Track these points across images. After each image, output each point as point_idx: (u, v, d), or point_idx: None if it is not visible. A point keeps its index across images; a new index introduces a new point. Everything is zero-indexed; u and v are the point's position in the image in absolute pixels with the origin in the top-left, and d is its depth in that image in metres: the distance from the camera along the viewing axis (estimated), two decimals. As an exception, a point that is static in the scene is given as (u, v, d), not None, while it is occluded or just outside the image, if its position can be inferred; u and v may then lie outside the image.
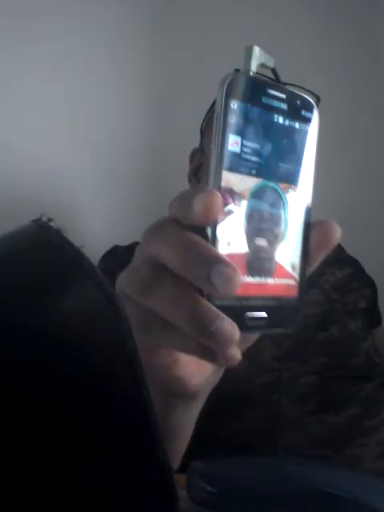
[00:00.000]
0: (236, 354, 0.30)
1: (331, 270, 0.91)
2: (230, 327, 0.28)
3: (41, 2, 1.08)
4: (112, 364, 0.24)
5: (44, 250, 0.26)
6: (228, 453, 0.73)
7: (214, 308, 0.28)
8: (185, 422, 0.41)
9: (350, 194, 1.30)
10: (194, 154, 0.93)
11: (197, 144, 0.94)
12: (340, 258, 0.96)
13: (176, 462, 0.44)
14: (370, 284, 0.99)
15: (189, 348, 0.31)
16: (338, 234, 0.33)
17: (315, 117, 0.34)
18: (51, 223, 0.26)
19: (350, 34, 1.34)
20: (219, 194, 0.29)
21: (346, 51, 1.33)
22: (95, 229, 1.11)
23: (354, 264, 0.99)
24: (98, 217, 1.13)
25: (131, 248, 0.94)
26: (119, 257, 0.90)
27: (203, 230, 0.29)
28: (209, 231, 0.29)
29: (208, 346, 0.29)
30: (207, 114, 0.90)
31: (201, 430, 0.44)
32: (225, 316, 0.28)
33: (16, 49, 1.06)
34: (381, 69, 1.37)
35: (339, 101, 1.21)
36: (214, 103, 0.90)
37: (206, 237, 0.29)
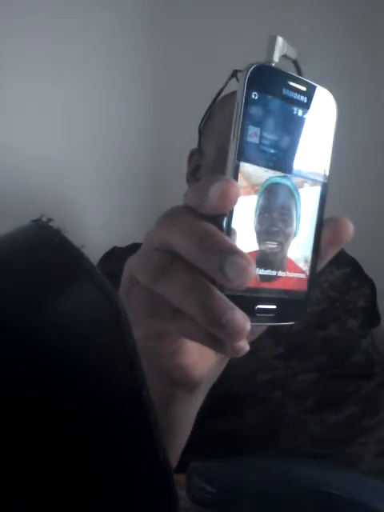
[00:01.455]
0: (244, 345, 0.30)
1: (330, 269, 0.91)
2: (241, 319, 0.28)
3: (41, 2, 1.08)
4: (112, 364, 0.24)
5: (44, 250, 0.26)
6: (228, 451, 0.73)
7: (226, 299, 0.28)
8: (186, 415, 0.42)
9: (349, 193, 1.30)
10: (192, 155, 0.93)
11: (196, 145, 0.94)
12: (339, 257, 0.96)
13: (176, 457, 0.44)
14: (369, 283, 1.00)
15: (197, 336, 0.30)
16: (350, 230, 0.33)
17: (334, 111, 0.34)
18: (51, 223, 0.26)
19: (349, 34, 1.35)
20: (236, 183, 0.29)
21: (345, 52, 1.33)
22: (95, 229, 1.11)
23: (353, 263, 0.99)
24: (98, 217, 1.13)
25: (130, 249, 0.94)
26: (118, 258, 0.90)
27: (217, 220, 0.29)
28: (223, 222, 0.29)
29: (217, 336, 0.28)
30: (206, 114, 0.90)
31: (200, 427, 0.44)
32: (236, 307, 0.28)
33: (16, 49, 1.06)
34: (381, 69, 1.37)
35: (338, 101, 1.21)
36: (212, 103, 0.90)
37: (220, 227, 0.29)
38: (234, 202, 0.29)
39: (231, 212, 0.29)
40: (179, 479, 0.32)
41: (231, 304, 0.28)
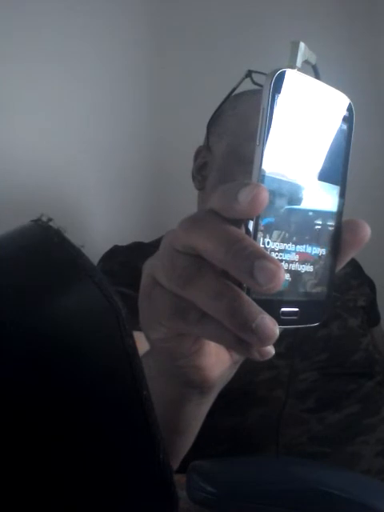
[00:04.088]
0: (271, 349, 0.30)
1: None
2: (270, 324, 0.28)
3: (43, 4, 1.08)
4: (112, 364, 0.24)
5: (44, 249, 0.26)
6: (228, 449, 0.73)
7: (255, 304, 0.28)
8: (196, 416, 0.42)
9: (349, 194, 1.29)
10: (198, 152, 0.93)
11: (198, 144, 0.93)
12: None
13: (181, 456, 0.44)
14: (369, 283, 1.00)
15: (225, 340, 0.31)
16: (367, 232, 0.33)
17: (352, 117, 0.35)
18: (51, 223, 0.26)
19: (350, 34, 1.34)
20: (265, 188, 0.29)
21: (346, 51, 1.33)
22: (95, 229, 1.11)
23: (353, 263, 0.99)
24: (98, 217, 1.13)
25: (131, 248, 0.94)
26: (119, 257, 0.90)
27: (240, 224, 0.30)
28: (249, 226, 0.30)
29: (245, 340, 0.29)
30: (216, 111, 0.89)
31: (201, 426, 0.44)
32: (265, 312, 0.28)
33: (17, 48, 1.06)
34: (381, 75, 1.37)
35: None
36: (224, 101, 0.89)
37: (245, 232, 0.29)
38: (263, 206, 0.29)
39: (258, 217, 0.30)
40: (179, 479, 0.32)
41: (260, 309, 0.28)
